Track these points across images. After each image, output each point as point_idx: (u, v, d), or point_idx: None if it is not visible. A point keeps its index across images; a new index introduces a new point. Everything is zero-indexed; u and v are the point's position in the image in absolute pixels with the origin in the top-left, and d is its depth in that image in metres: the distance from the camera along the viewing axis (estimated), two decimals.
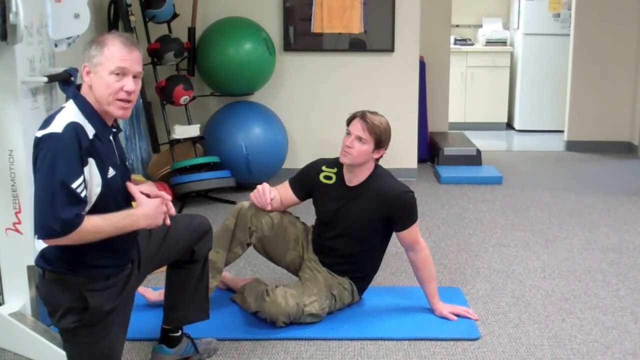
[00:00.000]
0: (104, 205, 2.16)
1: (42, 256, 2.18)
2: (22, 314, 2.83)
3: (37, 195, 2.06)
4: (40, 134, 2.10)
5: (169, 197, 2.29)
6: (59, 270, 2.16)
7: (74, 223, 2.04)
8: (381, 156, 3.05)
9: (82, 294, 2.15)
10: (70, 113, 2.13)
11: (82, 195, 2.07)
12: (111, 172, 2.19)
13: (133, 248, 2.33)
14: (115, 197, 2.23)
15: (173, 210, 2.30)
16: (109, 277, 2.22)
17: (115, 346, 2.30)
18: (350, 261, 3.11)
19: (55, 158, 2.04)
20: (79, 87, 2.23)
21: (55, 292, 2.18)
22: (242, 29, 5.15)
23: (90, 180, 2.12)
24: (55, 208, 2.01)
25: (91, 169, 2.12)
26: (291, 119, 5.49)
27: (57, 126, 2.08)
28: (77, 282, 2.16)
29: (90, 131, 2.14)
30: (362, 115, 2.99)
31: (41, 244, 2.16)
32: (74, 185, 2.04)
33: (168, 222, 2.28)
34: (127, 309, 2.36)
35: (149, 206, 2.22)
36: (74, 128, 2.09)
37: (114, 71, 2.14)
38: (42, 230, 2.05)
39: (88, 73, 2.17)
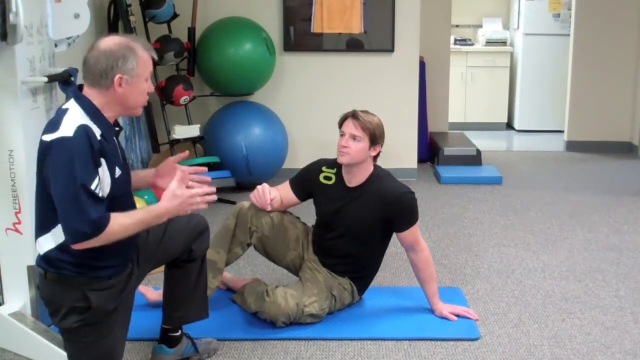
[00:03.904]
0: (113, 204, 2.17)
1: (45, 258, 2.18)
2: (22, 314, 2.83)
3: (59, 201, 2.06)
4: (49, 138, 2.09)
5: (202, 191, 2.26)
6: (61, 271, 2.16)
7: (102, 223, 2.06)
8: (378, 154, 3.05)
9: (85, 294, 2.16)
10: (76, 115, 2.13)
11: (100, 195, 2.10)
12: (117, 171, 2.21)
13: (134, 247, 2.34)
14: (123, 196, 2.26)
15: (202, 205, 2.27)
16: (111, 277, 2.23)
17: (116, 345, 2.30)
18: (351, 261, 3.11)
19: (71, 162, 2.04)
20: (80, 87, 2.23)
21: (57, 292, 2.18)
22: (242, 29, 5.15)
23: (103, 181, 2.14)
24: (82, 211, 2.03)
25: (103, 170, 2.14)
26: (291, 119, 5.49)
27: (67, 130, 2.08)
28: (79, 282, 2.17)
29: (97, 132, 2.15)
30: (353, 115, 3.00)
31: (44, 247, 2.16)
32: (92, 187, 2.06)
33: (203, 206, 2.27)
34: (128, 308, 2.36)
35: (174, 202, 2.20)
36: (84, 131, 2.09)
37: (147, 78, 2.23)
38: (72, 234, 2.06)
39: (121, 84, 2.16)
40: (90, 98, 2.18)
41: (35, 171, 2.21)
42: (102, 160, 2.13)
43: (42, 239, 2.17)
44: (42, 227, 2.18)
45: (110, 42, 2.18)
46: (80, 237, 2.06)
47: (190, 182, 2.35)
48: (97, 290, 2.18)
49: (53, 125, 2.12)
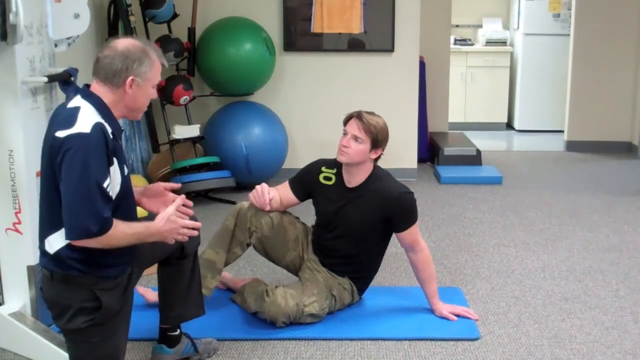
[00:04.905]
0: (121, 202, 2.19)
1: (55, 257, 2.18)
2: (22, 314, 2.83)
3: (69, 195, 2.06)
4: (63, 134, 2.09)
5: (191, 224, 2.32)
6: (69, 271, 2.16)
7: (109, 224, 2.09)
8: (379, 157, 3.05)
9: (94, 293, 2.17)
10: (90, 113, 2.14)
11: (110, 194, 2.12)
12: (125, 169, 2.24)
13: (136, 247, 2.34)
14: (128, 195, 2.28)
15: (185, 238, 2.33)
16: (116, 276, 2.24)
17: (119, 345, 2.32)
18: (350, 262, 3.11)
19: (87, 158, 2.06)
20: (87, 86, 2.23)
21: (65, 293, 2.18)
22: (242, 29, 5.15)
23: (114, 179, 2.15)
24: (93, 208, 2.05)
25: (115, 169, 2.16)
26: (291, 119, 5.49)
27: (84, 126, 2.09)
28: (88, 282, 2.17)
29: (109, 130, 2.16)
30: (358, 115, 2.99)
31: (55, 245, 2.16)
32: (104, 185, 2.09)
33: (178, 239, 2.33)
34: (130, 307, 2.37)
35: (166, 226, 2.25)
36: (100, 128, 2.11)
37: (154, 86, 2.26)
38: (76, 230, 2.07)
39: (131, 86, 2.18)
40: (100, 96, 2.19)
41: (41, 169, 2.21)
42: (114, 159, 2.15)
43: (52, 237, 2.17)
44: (52, 225, 2.17)
45: (127, 43, 2.20)
46: (85, 233, 2.07)
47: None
48: (105, 290, 2.19)
49: (67, 121, 2.11)
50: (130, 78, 2.17)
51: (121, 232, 2.14)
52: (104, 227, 2.08)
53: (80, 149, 2.06)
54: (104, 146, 2.10)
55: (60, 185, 2.10)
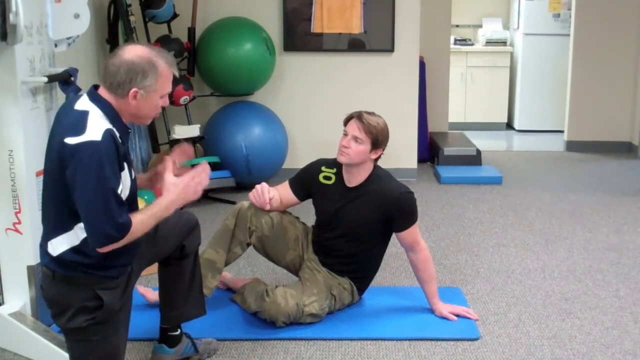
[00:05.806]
0: (128, 206, 2.19)
1: (57, 259, 2.18)
2: (22, 314, 2.83)
3: (87, 206, 2.07)
4: (74, 141, 2.07)
5: (200, 169, 2.40)
6: (72, 272, 2.17)
7: (129, 225, 2.11)
8: (379, 157, 3.05)
9: (96, 293, 2.18)
10: (99, 118, 2.13)
11: (124, 198, 2.14)
12: (133, 173, 2.25)
13: (139, 247, 2.34)
14: (135, 197, 2.29)
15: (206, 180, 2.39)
16: (117, 276, 2.25)
17: (120, 344, 2.32)
18: (350, 261, 3.11)
19: (101, 166, 2.06)
20: (95, 87, 2.22)
21: (66, 292, 2.19)
22: (242, 29, 5.15)
23: (124, 184, 2.16)
24: (112, 216, 2.07)
25: (125, 173, 2.17)
26: (291, 119, 5.49)
27: (94, 133, 2.08)
28: (89, 281, 2.18)
29: (117, 135, 2.16)
30: (358, 116, 2.99)
31: (58, 249, 2.17)
32: (119, 191, 2.10)
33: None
34: (129, 306, 2.38)
35: (175, 191, 2.29)
36: (110, 135, 2.11)
37: (164, 95, 2.24)
38: (100, 238, 2.09)
39: (135, 97, 2.16)
40: (107, 100, 2.18)
41: (45, 170, 2.21)
42: (125, 164, 2.16)
43: (55, 240, 2.18)
44: (56, 229, 2.18)
45: (134, 53, 2.16)
46: (110, 240, 2.09)
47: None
48: (107, 289, 2.20)
49: (76, 127, 2.10)
50: (133, 90, 2.14)
51: (139, 222, 2.16)
52: (125, 230, 2.11)
53: (94, 157, 2.06)
54: (115, 153, 2.10)
55: (74, 193, 2.09)
